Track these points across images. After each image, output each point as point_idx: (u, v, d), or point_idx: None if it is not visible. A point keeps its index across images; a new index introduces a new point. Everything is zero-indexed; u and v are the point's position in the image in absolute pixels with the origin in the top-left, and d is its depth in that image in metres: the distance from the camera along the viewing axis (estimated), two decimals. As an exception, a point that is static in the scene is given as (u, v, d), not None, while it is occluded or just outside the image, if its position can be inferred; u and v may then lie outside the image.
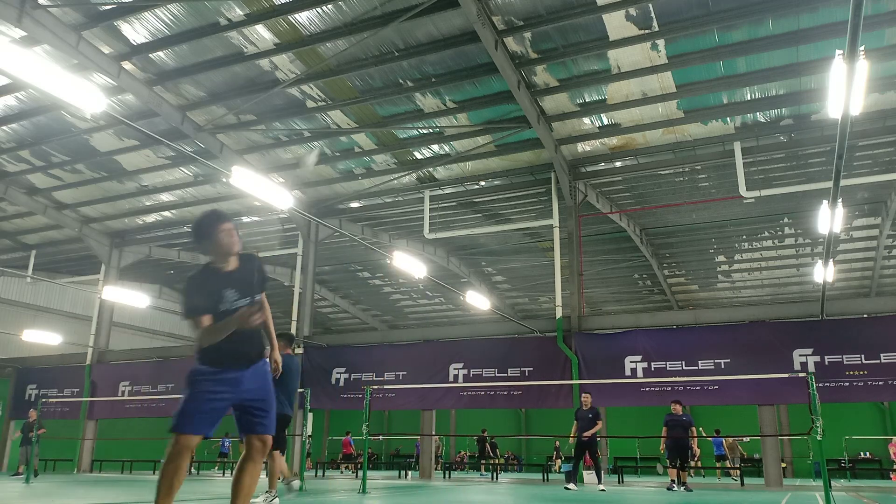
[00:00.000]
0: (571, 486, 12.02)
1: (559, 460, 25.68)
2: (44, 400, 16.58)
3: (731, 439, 22.43)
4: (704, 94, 14.01)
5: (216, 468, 24.53)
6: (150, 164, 18.01)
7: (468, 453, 30.53)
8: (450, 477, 19.86)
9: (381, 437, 32.60)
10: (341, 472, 23.08)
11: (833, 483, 18.21)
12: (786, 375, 11.29)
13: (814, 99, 13.69)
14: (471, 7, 11.41)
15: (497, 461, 23.07)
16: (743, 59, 12.88)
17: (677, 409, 12.58)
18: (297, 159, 17.50)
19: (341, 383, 18.26)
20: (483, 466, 24.22)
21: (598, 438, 12.58)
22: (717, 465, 21.94)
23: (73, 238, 22.62)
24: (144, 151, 17.36)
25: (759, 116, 14.67)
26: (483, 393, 16.67)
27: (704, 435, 20.54)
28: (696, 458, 15.05)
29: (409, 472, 19.61)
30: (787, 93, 13.80)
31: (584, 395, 12.85)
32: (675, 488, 12.04)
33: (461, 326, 21.11)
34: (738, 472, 17.51)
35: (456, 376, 17.02)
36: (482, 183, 18.05)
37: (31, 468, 14.34)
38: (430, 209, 18.19)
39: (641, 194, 18.43)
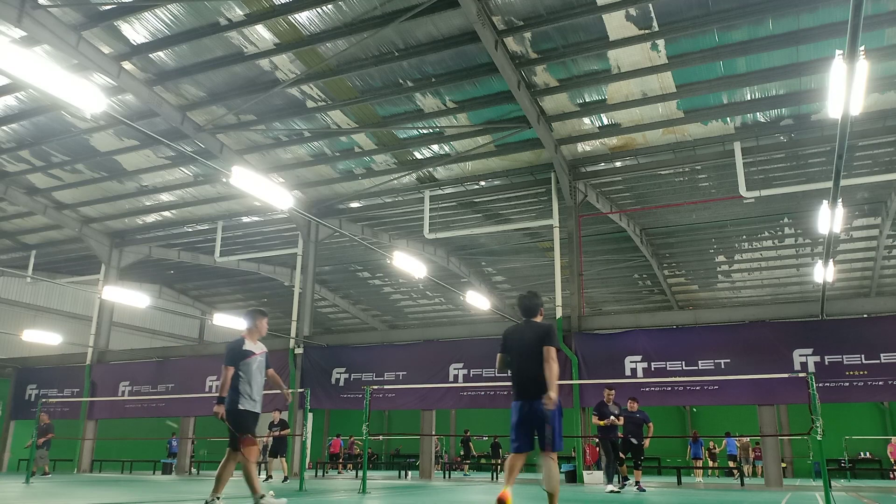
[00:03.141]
0: (611, 487, 11.09)
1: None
2: (44, 400, 16.57)
3: (745, 439, 22.57)
4: (704, 94, 14.00)
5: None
6: (150, 164, 18.02)
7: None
8: (450, 477, 19.86)
9: (381, 437, 32.57)
10: (338, 472, 23.11)
11: (833, 483, 18.20)
12: (786, 375, 11.26)
13: (814, 99, 13.69)
14: (471, 7, 11.40)
15: (497, 462, 23.05)
16: (743, 59, 12.88)
17: (633, 406, 11.96)
18: (297, 159, 17.52)
19: (341, 383, 18.26)
20: (467, 466, 24.25)
21: (606, 439, 11.88)
22: (731, 464, 22.03)
23: (73, 238, 22.62)
24: (144, 151, 17.36)
25: (759, 116, 14.67)
26: (483, 393, 16.66)
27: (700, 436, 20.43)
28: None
29: (409, 472, 19.60)
30: (787, 93, 13.80)
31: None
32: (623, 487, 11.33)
33: (461, 326, 21.08)
34: (739, 471, 17.49)
35: (456, 376, 17.03)
36: (482, 183, 18.04)
37: (30, 469, 14.29)
38: (430, 209, 18.19)
39: (641, 194, 18.43)
